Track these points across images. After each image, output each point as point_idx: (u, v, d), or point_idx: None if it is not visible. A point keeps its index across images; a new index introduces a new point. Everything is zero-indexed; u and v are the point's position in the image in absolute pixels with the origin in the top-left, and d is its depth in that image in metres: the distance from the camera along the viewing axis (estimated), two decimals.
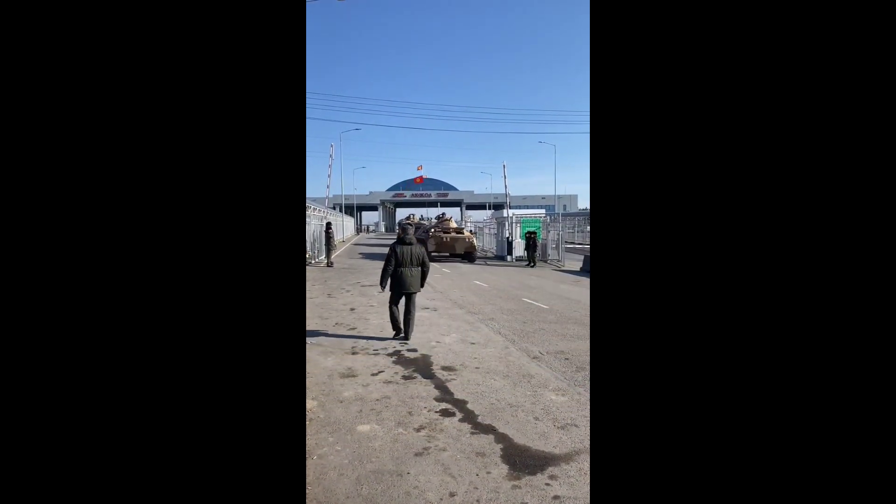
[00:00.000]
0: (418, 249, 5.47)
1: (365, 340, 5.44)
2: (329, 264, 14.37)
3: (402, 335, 5.48)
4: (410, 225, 6.41)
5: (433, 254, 16.09)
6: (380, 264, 7.31)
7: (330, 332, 5.81)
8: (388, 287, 5.39)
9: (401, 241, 5.46)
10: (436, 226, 18.35)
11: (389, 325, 5.70)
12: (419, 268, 5.45)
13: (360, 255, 19.44)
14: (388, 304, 5.56)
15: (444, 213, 21.05)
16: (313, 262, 15.22)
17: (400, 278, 5.36)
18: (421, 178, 41.78)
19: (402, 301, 5.49)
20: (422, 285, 5.55)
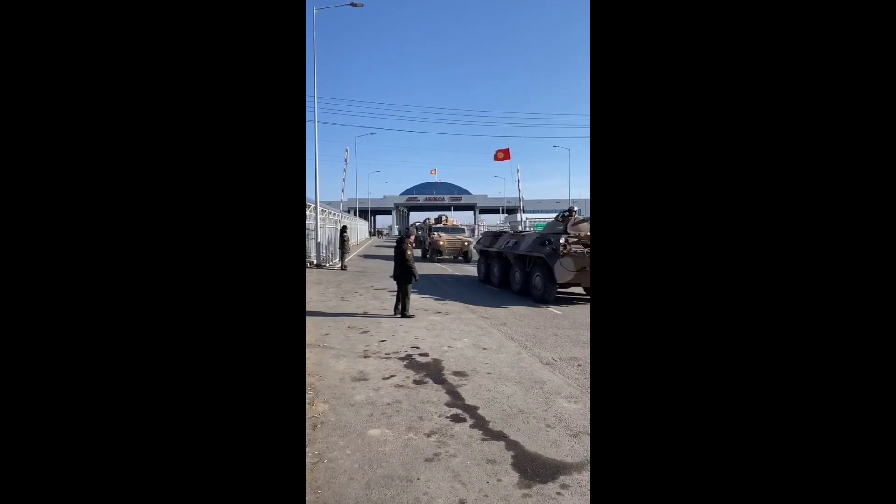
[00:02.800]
0: (399, 249, 7.21)
1: (377, 343, 5.45)
2: (343, 267, 14.47)
3: (398, 314, 7.08)
4: (410, 228, 8.30)
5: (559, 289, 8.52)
6: (391, 268, 7.60)
7: (342, 335, 5.84)
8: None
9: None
10: (563, 233, 8.51)
11: (401, 330, 6.25)
12: (399, 262, 7.12)
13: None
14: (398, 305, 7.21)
15: (571, 208, 9.69)
16: (327, 265, 15.33)
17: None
18: (507, 151, 27.77)
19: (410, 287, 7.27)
20: (405, 280, 7.02)
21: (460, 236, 19.08)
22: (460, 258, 18.53)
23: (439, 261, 18.22)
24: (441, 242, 18.11)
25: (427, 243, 19.60)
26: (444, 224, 20.84)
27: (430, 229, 19.69)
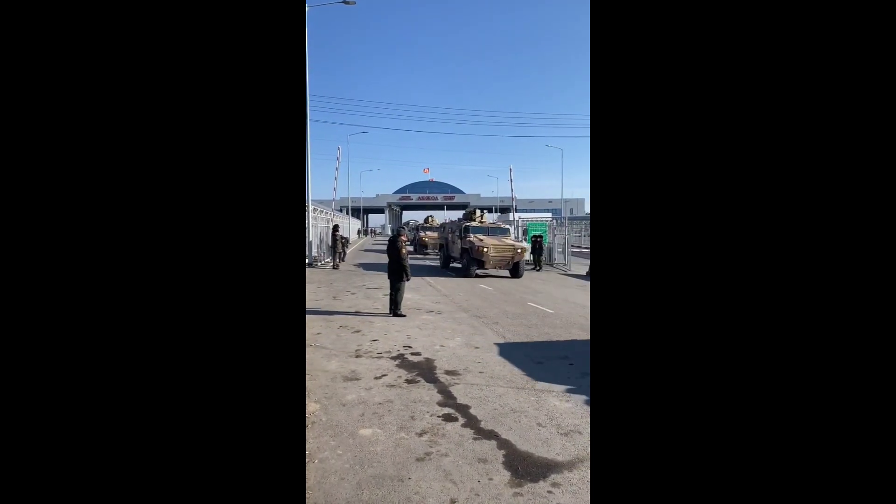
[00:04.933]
0: (393, 248, 7.21)
1: (369, 343, 5.44)
2: (335, 266, 14.42)
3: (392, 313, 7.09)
4: (402, 227, 8.31)
5: None
6: (383, 269, 7.57)
7: (334, 335, 5.82)
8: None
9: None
10: None
11: (394, 329, 6.24)
12: (394, 261, 7.13)
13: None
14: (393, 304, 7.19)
15: None
16: (318, 264, 15.27)
17: None
18: None
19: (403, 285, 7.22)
20: (398, 277, 7.02)
21: (508, 240, 13.14)
22: (503, 270, 12.96)
23: (480, 275, 12.80)
24: (486, 249, 12.15)
25: (459, 250, 13.56)
26: (480, 223, 13.99)
27: (466, 230, 13.28)
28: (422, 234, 22.00)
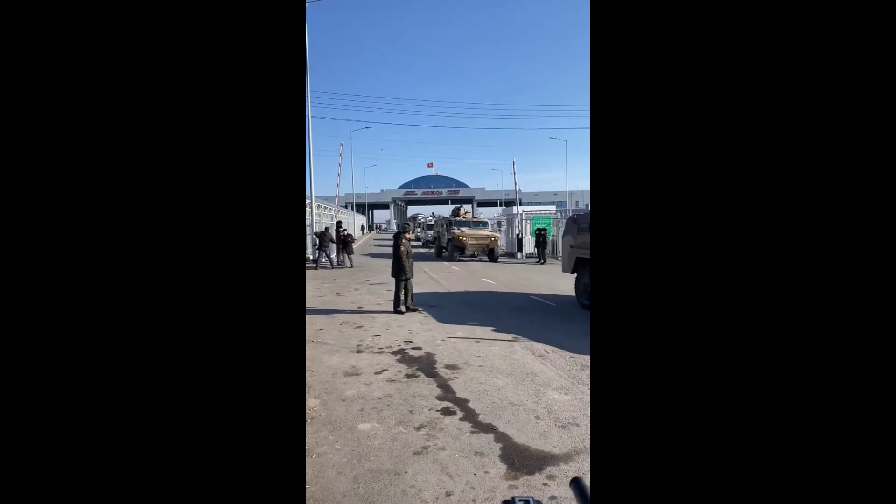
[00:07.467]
0: (395, 245, 7.05)
1: (371, 338, 5.47)
2: (338, 263, 14.47)
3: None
4: (407, 223, 7.76)
5: None
6: (387, 264, 7.58)
7: (336, 331, 5.85)
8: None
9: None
10: None
11: (395, 324, 6.31)
12: (395, 258, 7.02)
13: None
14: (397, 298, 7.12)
15: None
16: (323, 260, 15.32)
17: None
18: None
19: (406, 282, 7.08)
20: (399, 276, 6.87)
21: None
22: None
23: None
24: None
25: None
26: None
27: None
28: (457, 231, 14.95)
